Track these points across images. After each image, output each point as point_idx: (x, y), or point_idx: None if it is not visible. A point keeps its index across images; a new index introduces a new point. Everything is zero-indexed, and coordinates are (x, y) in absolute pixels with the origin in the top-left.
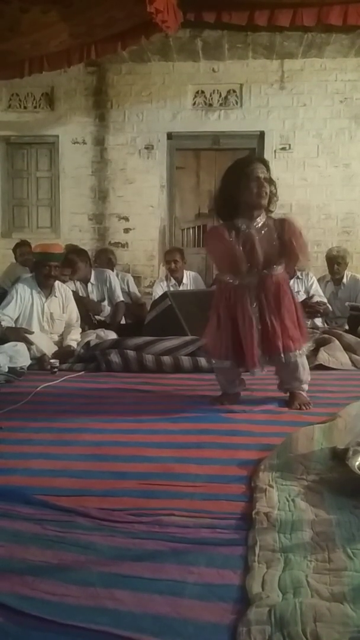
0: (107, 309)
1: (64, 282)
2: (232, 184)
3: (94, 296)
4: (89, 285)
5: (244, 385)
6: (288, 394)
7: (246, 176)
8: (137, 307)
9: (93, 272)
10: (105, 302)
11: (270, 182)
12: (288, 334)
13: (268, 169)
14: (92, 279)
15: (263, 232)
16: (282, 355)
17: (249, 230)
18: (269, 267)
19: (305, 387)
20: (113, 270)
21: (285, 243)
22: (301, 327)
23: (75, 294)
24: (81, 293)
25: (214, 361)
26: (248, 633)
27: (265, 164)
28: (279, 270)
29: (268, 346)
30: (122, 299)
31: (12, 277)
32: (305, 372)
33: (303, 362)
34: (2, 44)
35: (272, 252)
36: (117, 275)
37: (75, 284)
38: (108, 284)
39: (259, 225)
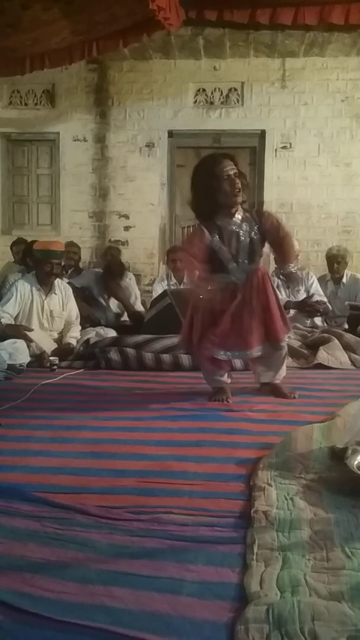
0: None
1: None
2: (204, 186)
3: (114, 307)
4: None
5: (230, 378)
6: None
7: (217, 177)
8: None
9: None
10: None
11: (241, 175)
12: (278, 323)
13: (236, 163)
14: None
15: (244, 226)
16: (277, 343)
17: (231, 228)
18: (254, 262)
19: (279, 379)
20: None
21: (280, 239)
22: (284, 318)
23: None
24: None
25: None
26: (246, 631)
27: (232, 158)
28: (261, 263)
29: (266, 335)
30: (141, 309)
31: (3, 275)
32: (284, 363)
33: (285, 353)
34: (3, 40)
35: (255, 246)
36: None
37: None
38: (133, 297)
39: (239, 220)
